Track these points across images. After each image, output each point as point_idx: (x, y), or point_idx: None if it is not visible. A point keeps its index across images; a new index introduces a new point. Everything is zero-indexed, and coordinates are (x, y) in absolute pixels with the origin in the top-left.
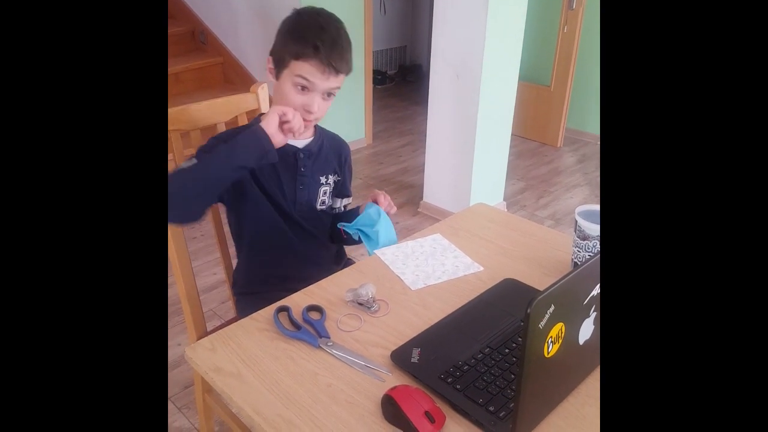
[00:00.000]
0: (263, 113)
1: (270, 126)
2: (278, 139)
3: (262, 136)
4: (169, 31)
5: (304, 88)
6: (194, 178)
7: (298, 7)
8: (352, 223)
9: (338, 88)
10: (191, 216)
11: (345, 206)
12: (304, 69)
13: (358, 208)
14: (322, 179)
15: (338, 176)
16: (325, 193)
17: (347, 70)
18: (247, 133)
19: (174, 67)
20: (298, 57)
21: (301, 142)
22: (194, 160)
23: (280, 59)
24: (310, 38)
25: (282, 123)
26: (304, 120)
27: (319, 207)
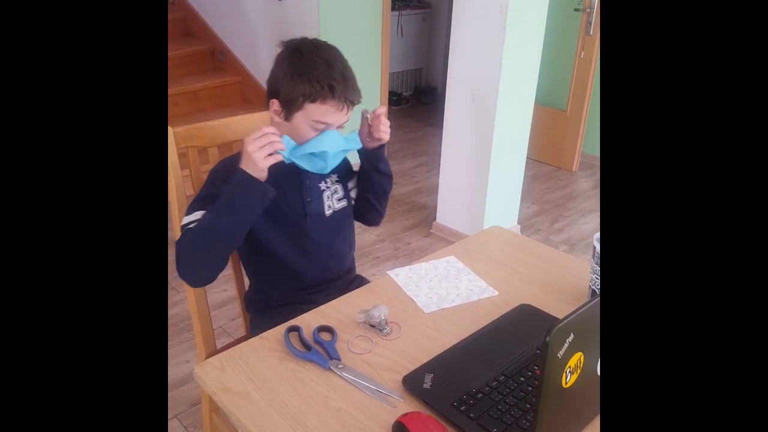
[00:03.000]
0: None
1: (255, 169)
2: (265, 174)
3: (251, 183)
4: (189, 49)
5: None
6: (205, 246)
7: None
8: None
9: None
10: (209, 279)
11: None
12: (322, 111)
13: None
14: (322, 185)
15: (336, 174)
16: (328, 197)
17: (360, 99)
18: (238, 192)
19: (193, 85)
20: (314, 99)
21: None
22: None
23: (290, 102)
24: (323, 78)
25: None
26: None
27: (327, 213)
